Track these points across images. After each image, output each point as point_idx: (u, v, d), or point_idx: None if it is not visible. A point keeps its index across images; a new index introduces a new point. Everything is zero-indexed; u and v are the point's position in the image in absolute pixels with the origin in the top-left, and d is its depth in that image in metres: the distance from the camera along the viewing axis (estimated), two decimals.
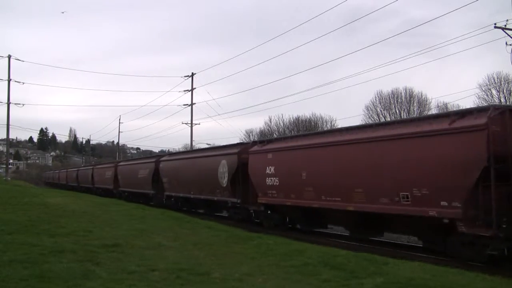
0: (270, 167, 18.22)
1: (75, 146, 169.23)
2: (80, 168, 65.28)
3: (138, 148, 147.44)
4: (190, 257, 10.09)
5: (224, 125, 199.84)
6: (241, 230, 16.39)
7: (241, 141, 28.09)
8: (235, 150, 21.31)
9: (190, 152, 33.33)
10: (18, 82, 55.10)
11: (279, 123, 72.51)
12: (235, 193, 20.70)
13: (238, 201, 20.49)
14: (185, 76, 50.45)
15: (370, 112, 60.94)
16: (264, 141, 20.43)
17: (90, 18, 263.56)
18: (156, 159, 33.06)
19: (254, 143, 20.91)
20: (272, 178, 18.08)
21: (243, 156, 20.29)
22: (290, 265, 9.50)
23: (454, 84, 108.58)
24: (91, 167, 55.39)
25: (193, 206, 27.77)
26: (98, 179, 49.10)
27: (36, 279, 7.47)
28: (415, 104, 59.15)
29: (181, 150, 70.92)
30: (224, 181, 21.39)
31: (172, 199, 29.58)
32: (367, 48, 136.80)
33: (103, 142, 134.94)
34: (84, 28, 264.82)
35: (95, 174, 50.29)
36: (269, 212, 19.04)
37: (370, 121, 55.23)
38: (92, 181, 50.32)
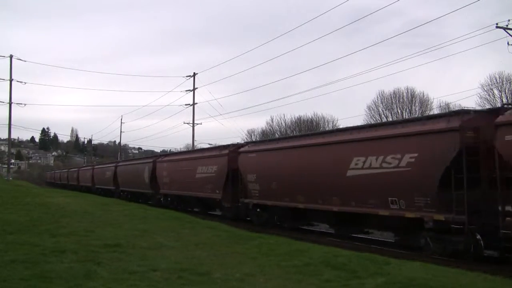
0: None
1: (77, 146, 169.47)
2: (120, 164, 43.12)
3: (140, 148, 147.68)
4: (192, 257, 10.09)
5: (226, 125, 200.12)
6: (242, 230, 16.39)
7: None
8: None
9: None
10: (20, 82, 55.39)
11: (281, 123, 72.61)
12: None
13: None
14: (187, 76, 50.60)
15: (372, 112, 60.93)
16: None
17: (92, 18, 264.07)
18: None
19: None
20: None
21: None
22: (292, 265, 9.49)
23: (457, 84, 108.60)
24: (150, 160, 34.28)
25: None
26: (171, 180, 29.59)
27: (38, 279, 7.47)
28: (416, 104, 59.14)
29: (182, 150, 70.76)
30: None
31: None
32: (370, 48, 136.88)
33: (105, 142, 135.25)
34: (86, 28, 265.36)
35: (162, 173, 30.85)
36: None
37: (372, 121, 55.23)
38: (153, 185, 32.01)
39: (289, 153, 18.70)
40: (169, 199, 30.78)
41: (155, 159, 33.90)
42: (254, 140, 24.92)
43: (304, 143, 18.18)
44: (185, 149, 67.79)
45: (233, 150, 23.01)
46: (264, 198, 20.11)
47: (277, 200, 19.05)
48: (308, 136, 20.58)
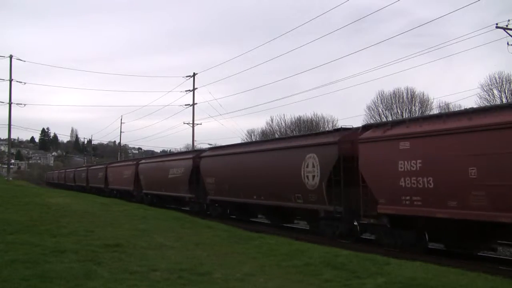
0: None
1: (77, 146, 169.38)
2: (208, 155, 25.97)
3: (139, 148, 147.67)
4: (192, 257, 10.09)
5: (227, 125, 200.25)
6: (242, 230, 16.39)
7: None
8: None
9: None
10: (19, 82, 55.39)
11: (281, 123, 72.58)
12: None
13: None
14: (186, 76, 50.50)
15: (372, 112, 60.93)
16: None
17: (92, 18, 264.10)
18: None
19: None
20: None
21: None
22: (292, 265, 9.49)
23: (459, 84, 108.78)
24: (325, 140, 16.38)
25: None
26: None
27: (38, 279, 7.47)
28: (416, 104, 59.16)
29: (183, 150, 70.28)
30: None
31: None
32: (373, 48, 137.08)
33: (105, 142, 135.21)
34: (86, 28, 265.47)
35: (403, 168, 12.91)
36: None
37: (372, 121, 55.21)
38: (336, 194, 15.31)
39: None
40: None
41: (346, 135, 15.63)
42: None
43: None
44: (185, 149, 67.49)
45: None
46: None
47: None
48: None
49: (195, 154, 27.53)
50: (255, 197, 20.08)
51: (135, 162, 38.14)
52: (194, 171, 26.12)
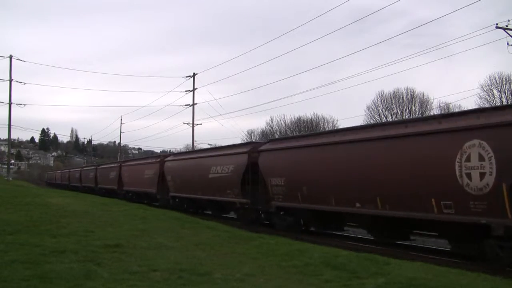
0: None
1: (77, 146, 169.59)
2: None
3: (139, 149, 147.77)
4: (192, 257, 10.09)
5: (227, 126, 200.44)
6: (242, 231, 16.40)
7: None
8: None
9: None
10: (19, 82, 55.49)
11: (281, 123, 72.66)
12: None
13: None
14: (186, 76, 50.52)
15: (372, 112, 60.98)
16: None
17: (92, 18, 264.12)
18: None
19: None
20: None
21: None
22: (292, 265, 9.49)
23: (459, 84, 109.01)
24: None
25: None
26: None
27: (38, 280, 7.46)
28: (416, 105, 59.21)
29: (183, 150, 70.02)
30: None
31: None
32: (373, 48, 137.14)
33: (105, 143, 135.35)
34: (86, 28, 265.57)
35: None
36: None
37: (372, 121, 55.22)
38: None
39: None
40: None
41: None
42: None
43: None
44: (185, 150, 67.34)
45: None
46: None
47: None
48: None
49: (251, 147, 21.44)
50: (358, 204, 14.54)
51: (159, 160, 32.28)
52: (249, 170, 20.58)
